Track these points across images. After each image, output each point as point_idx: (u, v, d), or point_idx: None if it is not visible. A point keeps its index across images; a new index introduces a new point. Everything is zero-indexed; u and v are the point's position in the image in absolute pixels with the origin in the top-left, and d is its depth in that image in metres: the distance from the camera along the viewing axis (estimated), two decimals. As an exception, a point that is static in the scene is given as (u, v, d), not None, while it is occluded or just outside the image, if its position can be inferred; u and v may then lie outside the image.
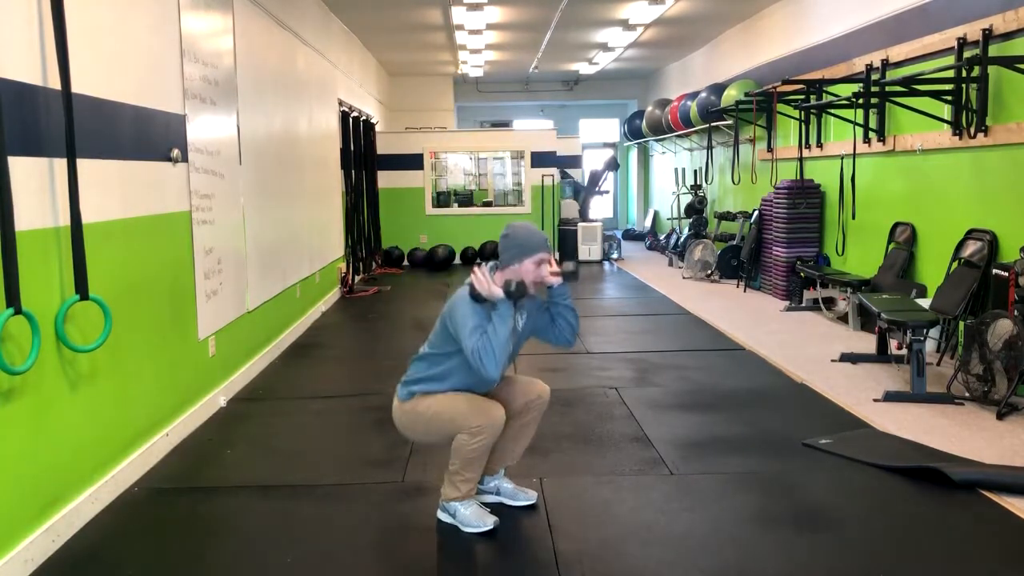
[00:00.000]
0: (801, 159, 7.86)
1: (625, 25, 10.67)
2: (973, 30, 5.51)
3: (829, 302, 7.68)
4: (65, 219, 3.19)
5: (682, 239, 11.78)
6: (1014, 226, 5.18)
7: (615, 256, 13.02)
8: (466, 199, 13.24)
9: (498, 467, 3.42)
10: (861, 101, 6.51)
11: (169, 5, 4.42)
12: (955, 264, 5.63)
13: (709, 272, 10.28)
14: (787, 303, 8.19)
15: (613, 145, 18.58)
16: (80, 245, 3.19)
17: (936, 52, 5.97)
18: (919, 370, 4.84)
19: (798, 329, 7.08)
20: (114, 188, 3.71)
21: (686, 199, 12.44)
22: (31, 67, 3.04)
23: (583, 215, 12.87)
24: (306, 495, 3.63)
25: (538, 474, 3.76)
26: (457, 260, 12.40)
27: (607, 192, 16.03)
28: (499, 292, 3.04)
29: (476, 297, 3.06)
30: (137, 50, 4.01)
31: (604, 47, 12.51)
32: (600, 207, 14.78)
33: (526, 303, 3.23)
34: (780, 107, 8.59)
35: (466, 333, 3.01)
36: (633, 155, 17.93)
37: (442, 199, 13.06)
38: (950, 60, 5.70)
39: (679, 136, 13.04)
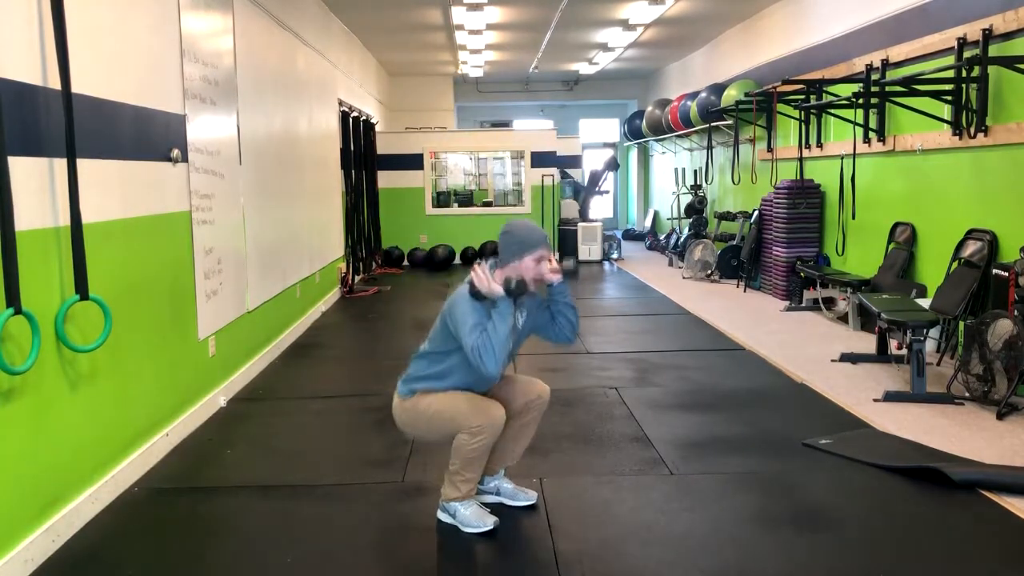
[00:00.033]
0: (801, 159, 7.86)
1: (625, 25, 10.67)
2: (973, 30, 5.51)
3: (829, 302, 7.68)
4: (65, 219, 3.19)
5: (682, 239, 11.78)
6: (1014, 226, 5.18)
7: (615, 256, 13.02)
8: (466, 199, 13.24)
9: (498, 467, 3.42)
10: (861, 101, 6.51)
11: (169, 5, 4.42)
12: (955, 264, 5.63)
13: (709, 272, 10.28)
14: (787, 303, 8.19)
15: (613, 145, 18.58)
16: (80, 245, 3.19)
17: (936, 52, 5.97)
18: (919, 370, 4.84)
19: (798, 329, 7.08)
20: (114, 188, 3.71)
21: (686, 199, 12.44)
22: (31, 67, 3.04)
23: (583, 215, 12.87)
24: (306, 495, 3.63)
25: (538, 474, 3.76)
26: (457, 260, 12.40)
27: (607, 192, 16.03)
28: (499, 290, 3.04)
29: (476, 295, 3.06)
30: (137, 50, 4.01)
31: (604, 47, 12.51)
32: (600, 207, 14.78)
33: (526, 301, 3.23)
34: (780, 107, 8.59)
35: (466, 331, 3.01)
36: (633, 155, 17.93)
37: (442, 199, 13.06)
38: (950, 60, 5.70)
39: (679, 136, 13.04)
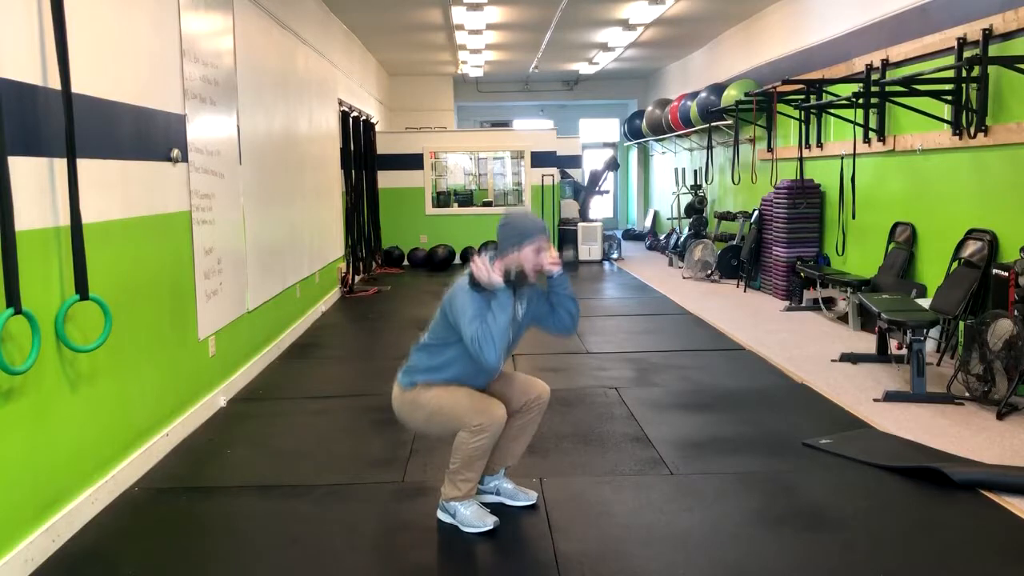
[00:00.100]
0: (801, 159, 7.86)
1: (625, 25, 10.67)
2: (973, 30, 5.51)
3: (829, 302, 7.68)
4: (65, 219, 3.19)
5: (682, 239, 11.78)
6: (1014, 226, 5.18)
7: (615, 256, 13.03)
8: (466, 199, 13.24)
9: (498, 467, 3.41)
10: (861, 101, 6.51)
11: (169, 5, 4.41)
12: (955, 264, 5.63)
13: (709, 272, 10.28)
14: (787, 303, 8.19)
15: (613, 145, 18.58)
16: (80, 245, 3.19)
17: (936, 52, 5.97)
18: (919, 370, 4.84)
19: (798, 329, 7.08)
20: (114, 188, 3.71)
21: (686, 199, 12.44)
22: (31, 67, 3.04)
23: (583, 215, 12.87)
24: (306, 495, 3.63)
25: (538, 474, 3.76)
26: (457, 260, 12.40)
27: (607, 192, 16.03)
28: (499, 280, 3.03)
29: (476, 286, 3.05)
30: (137, 50, 4.01)
31: (604, 47, 12.51)
32: (600, 207, 14.78)
33: (526, 292, 3.23)
34: (780, 107, 8.59)
35: (466, 321, 3.00)
36: (633, 155, 17.93)
37: (442, 199, 13.06)
38: (950, 60, 5.70)
39: (679, 136, 13.05)
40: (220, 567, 3.03)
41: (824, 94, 7.61)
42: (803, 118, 8.09)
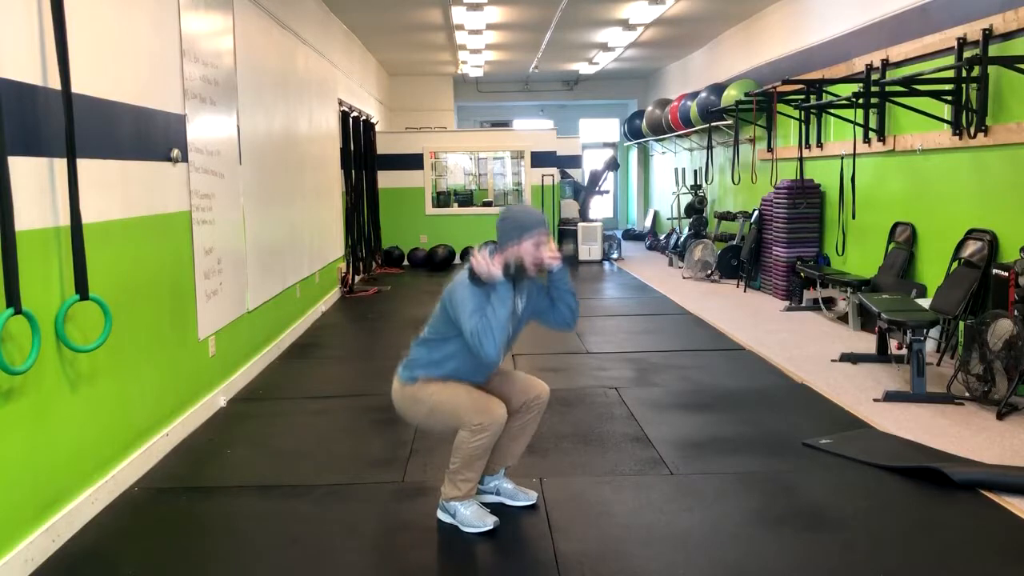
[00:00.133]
0: (801, 159, 7.86)
1: (625, 25, 10.67)
2: (973, 30, 5.51)
3: (829, 302, 7.68)
4: (65, 219, 3.19)
5: (682, 239, 11.78)
6: (1014, 226, 5.18)
7: (615, 256, 13.03)
8: (466, 199, 13.25)
9: (498, 467, 3.41)
10: (861, 101, 6.51)
11: (169, 5, 4.41)
12: (955, 264, 5.63)
13: (709, 272, 10.28)
14: (787, 303, 8.19)
15: (613, 145, 18.58)
16: (80, 245, 3.19)
17: (936, 52, 5.97)
18: (919, 370, 4.84)
19: (798, 329, 7.08)
20: (114, 188, 3.71)
21: (686, 199, 12.44)
22: (31, 67, 3.04)
23: (583, 215, 12.87)
24: (306, 495, 3.63)
25: (538, 474, 3.76)
26: (457, 260, 12.40)
27: (607, 192, 16.03)
28: (498, 273, 3.03)
29: (475, 280, 3.05)
30: (137, 50, 4.01)
31: (604, 47, 12.51)
32: (600, 207, 14.78)
33: (526, 286, 3.23)
34: (780, 107, 8.59)
35: (466, 315, 3.00)
36: (633, 155, 17.93)
37: (442, 199, 13.06)
38: (950, 60, 5.70)
39: (679, 136, 13.04)
40: (220, 567, 3.03)
41: (824, 94, 7.61)
42: (803, 118, 8.09)
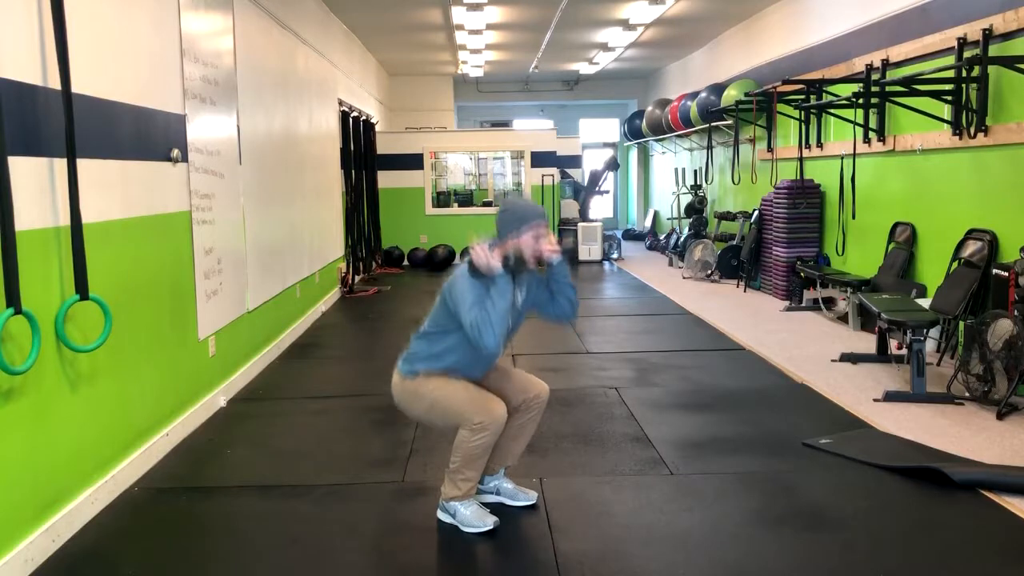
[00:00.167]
0: (801, 159, 7.86)
1: (625, 25, 10.67)
2: (973, 30, 5.51)
3: (829, 302, 7.68)
4: (65, 219, 3.19)
5: (682, 239, 11.78)
6: (1014, 226, 5.18)
7: (615, 256, 13.02)
8: (466, 199, 13.25)
9: (498, 467, 3.41)
10: (861, 101, 6.51)
11: (169, 5, 4.41)
12: (955, 264, 5.63)
13: (709, 272, 10.28)
14: (787, 303, 8.19)
15: (613, 145, 18.58)
16: (80, 245, 3.19)
17: (936, 52, 5.97)
18: (919, 370, 4.84)
19: (798, 329, 7.08)
20: (114, 188, 3.71)
21: (686, 199, 12.44)
22: (31, 67, 3.04)
23: (583, 215, 12.87)
24: (306, 495, 3.63)
25: (538, 474, 3.76)
26: (457, 260, 12.40)
27: (607, 192, 16.03)
28: (498, 266, 3.03)
29: (475, 272, 3.05)
30: (137, 50, 4.01)
31: (604, 47, 12.51)
32: (600, 207, 14.78)
33: (525, 279, 3.23)
34: (780, 107, 8.59)
35: (465, 308, 3.00)
36: (633, 155, 17.93)
37: (442, 199, 13.06)
38: (950, 60, 5.70)
39: (679, 136, 13.04)
40: (220, 567, 3.03)
41: (824, 94, 7.61)
42: (803, 118, 8.09)
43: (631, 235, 16.48)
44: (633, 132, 15.60)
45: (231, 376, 5.25)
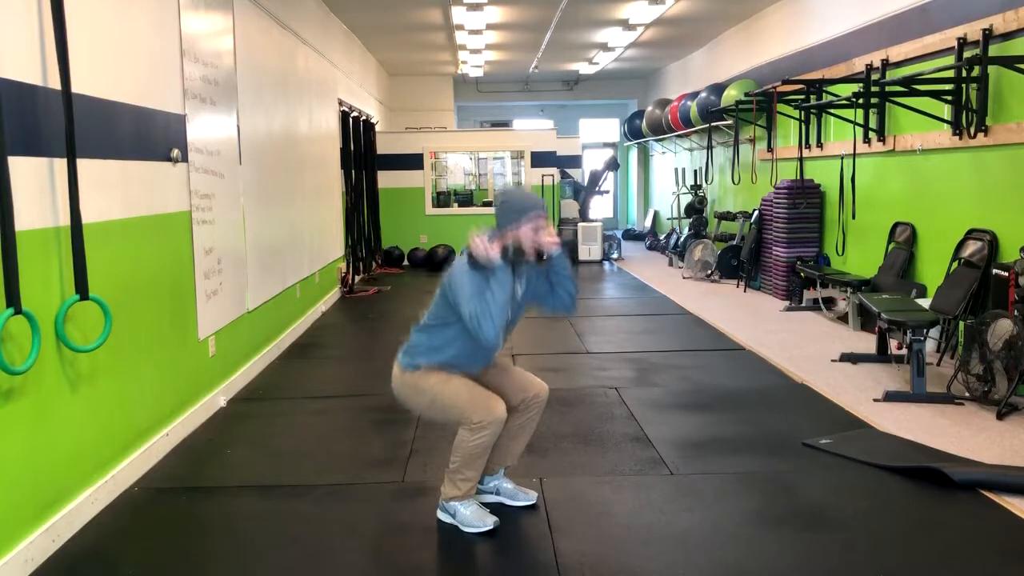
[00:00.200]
0: (801, 159, 7.86)
1: (625, 25, 10.67)
2: (973, 30, 5.51)
3: (829, 302, 7.68)
4: (65, 219, 3.19)
5: (682, 239, 11.78)
6: (1014, 226, 5.18)
7: (615, 256, 13.03)
8: (466, 199, 13.25)
9: (497, 467, 3.41)
10: (861, 101, 6.51)
11: (169, 5, 4.41)
12: (955, 264, 5.63)
13: (709, 272, 10.28)
14: (787, 303, 8.19)
15: (613, 145, 18.58)
16: (80, 245, 3.19)
17: (936, 52, 5.97)
18: (919, 370, 4.84)
19: (798, 329, 7.08)
20: (114, 188, 3.71)
21: (686, 199, 12.44)
22: (31, 67, 3.04)
23: (583, 215, 12.88)
24: (306, 495, 3.63)
25: (538, 474, 3.76)
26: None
27: (607, 192, 16.03)
28: (497, 257, 3.03)
29: (474, 264, 3.05)
30: (137, 50, 4.01)
31: (604, 47, 12.51)
32: (600, 207, 14.78)
33: (525, 271, 3.23)
34: (780, 107, 8.59)
35: (464, 299, 3.00)
36: (633, 155, 17.93)
37: (442, 199, 13.07)
38: (950, 60, 5.70)
39: (679, 136, 13.04)
40: (220, 567, 3.03)
41: (824, 94, 7.61)
42: (803, 118, 8.09)
43: (631, 235, 16.48)
44: (633, 132, 15.60)
45: (231, 376, 5.25)
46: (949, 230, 5.83)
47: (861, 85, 6.52)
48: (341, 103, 9.72)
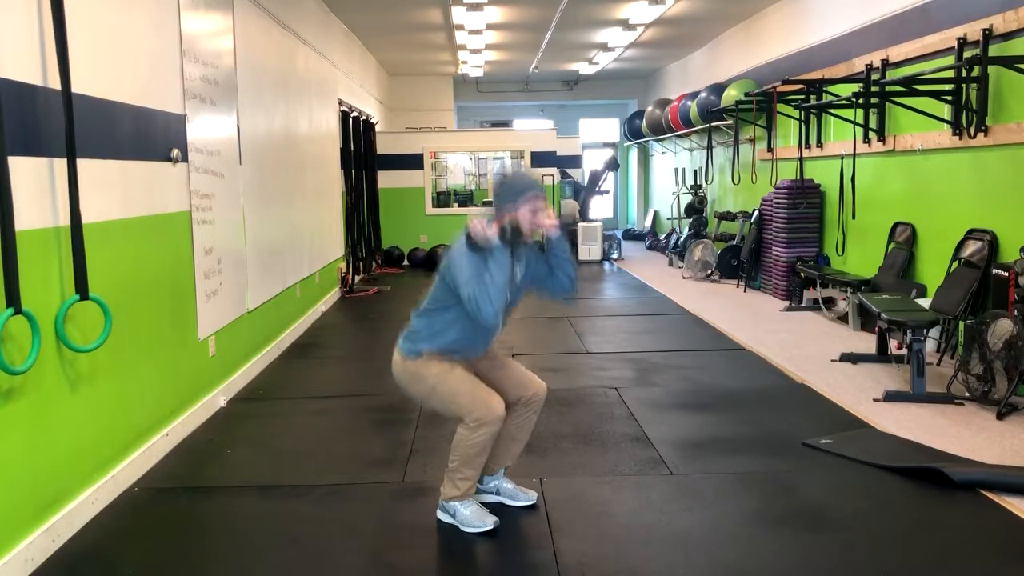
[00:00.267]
0: (801, 159, 7.86)
1: (625, 25, 10.67)
2: (973, 30, 5.51)
3: (829, 302, 7.68)
4: (65, 219, 3.19)
5: (682, 239, 11.78)
6: (1014, 226, 5.18)
7: (615, 256, 13.03)
8: (466, 199, 13.26)
9: (497, 467, 3.41)
10: (861, 101, 6.51)
11: (169, 5, 4.41)
12: (955, 264, 5.63)
13: (709, 272, 10.28)
14: (787, 303, 8.19)
15: (613, 145, 18.58)
16: (80, 245, 3.19)
17: (936, 52, 5.97)
18: (919, 370, 4.84)
19: (798, 329, 7.08)
20: (114, 188, 3.71)
21: (686, 199, 12.44)
22: (31, 67, 3.04)
23: (583, 215, 12.88)
24: (306, 495, 3.63)
25: (538, 474, 3.76)
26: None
27: (607, 192, 16.03)
28: (495, 236, 3.03)
29: (473, 246, 3.05)
30: (137, 50, 4.01)
31: (604, 47, 12.51)
32: (600, 207, 14.78)
33: (524, 253, 3.23)
34: (780, 107, 8.59)
35: (463, 281, 3.00)
36: (633, 155, 17.93)
37: (442, 199, 13.07)
38: (950, 60, 5.70)
39: (679, 136, 13.04)
40: (220, 567, 3.03)
41: (824, 94, 7.61)
42: (803, 118, 8.09)
43: (631, 235, 16.47)
44: (633, 132, 15.60)
45: (231, 376, 5.25)
46: (949, 230, 5.83)
47: (861, 85, 6.52)
48: (341, 103, 9.72)
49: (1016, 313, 4.59)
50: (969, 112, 5.53)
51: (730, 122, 10.08)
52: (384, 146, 12.44)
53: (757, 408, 4.84)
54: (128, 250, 3.85)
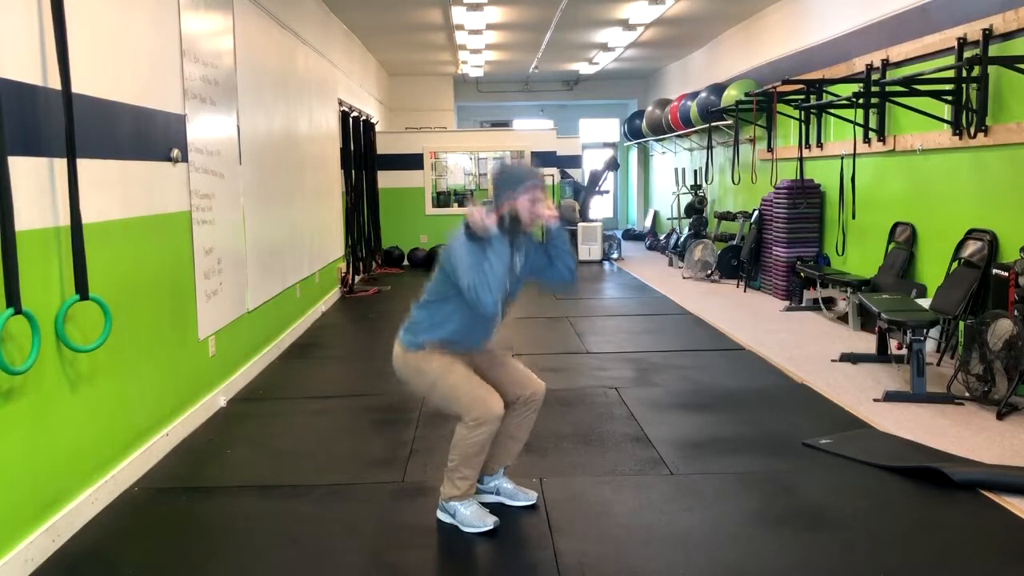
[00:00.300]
0: (801, 159, 7.86)
1: (625, 25, 10.67)
2: (973, 30, 5.51)
3: (829, 302, 7.68)
4: (65, 219, 3.19)
5: (682, 239, 11.78)
6: (1014, 226, 5.18)
7: (615, 256, 13.02)
8: (465, 199, 13.24)
9: (497, 466, 3.41)
10: (861, 101, 6.51)
11: (169, 5, 4.41)
12: (955, 264, 5.63)
13: (709, 272, 10.28)
14: (787, 303, 8.19)
15: (613, 145, 18.58)
16: (80, 245, 3.19)
17: (936, 52, 5.97)
18: (919, 370, 4.84)
19: (798, 329, 7.08)
20: (114, 188, 3.71)
21: (686, 199, 12.44)
22: (31, 67, 3.04)
23: (583, 215, 12.88)
24: (306, 495, 3.63)
25: (538, 474, 3.76)
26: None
27: (607, 192, 16.03)
28: (493, 226, 3.02)
29: (472, 236, 3.05)
30: (137, 50, 4.01)
31: (604, 47, 12.51)
32: (600, 207, 14.78)
33: (523, 243, 3.22)
34: (780, 107, 8.59)
35: (463, 271, 3.01)
36: (633, 155, 17.93)
37: (442, 199, 13.06)
38: (950, 60, 5.70)
39: (679, 136, 13.04)
40: (220, 567, 3.03)
41: (824, 94, 7.61)
42: (803, 118, 8.09)
43: (631, 235, 16.47)
44: (633, 132, 15.60)
45: (231, 376, 5.25)
46: (949, 230, 5.83)
47: (861, 85, 6.52)
48: (341, 103, 9.72)
49: (1016, 313, 4.59)
50: (969, 112, 5.53)
51: (730, 122, 10.08)
52: (384, 146, 12.44)
53: (757, 408, 4.84)
54: (128, 250, 3.85)
